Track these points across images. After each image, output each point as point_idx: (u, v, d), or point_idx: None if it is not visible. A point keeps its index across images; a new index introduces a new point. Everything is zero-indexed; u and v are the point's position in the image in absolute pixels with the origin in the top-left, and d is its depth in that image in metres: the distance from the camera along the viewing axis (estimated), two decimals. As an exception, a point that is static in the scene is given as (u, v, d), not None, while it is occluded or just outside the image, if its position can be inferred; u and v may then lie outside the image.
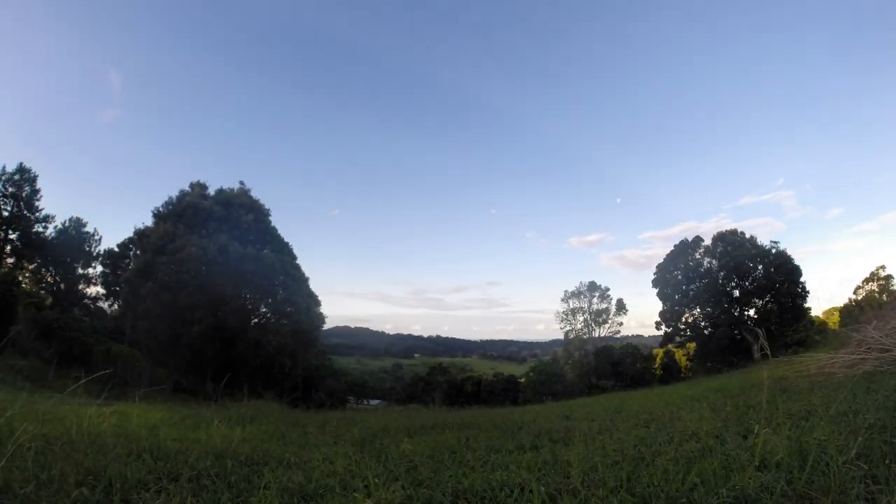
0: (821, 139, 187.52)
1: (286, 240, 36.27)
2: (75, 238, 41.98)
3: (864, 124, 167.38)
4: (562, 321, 59.30)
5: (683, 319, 45.09)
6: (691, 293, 43.90)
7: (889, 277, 44.95)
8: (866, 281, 46.36)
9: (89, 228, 43.24)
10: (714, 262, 43.76)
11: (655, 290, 46.45)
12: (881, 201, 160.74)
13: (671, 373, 44.07)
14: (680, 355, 47.84)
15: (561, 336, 60.22)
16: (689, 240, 45.72)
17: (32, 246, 38.47)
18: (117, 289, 40.03)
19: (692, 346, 45.25)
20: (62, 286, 41.19)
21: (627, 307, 58.80)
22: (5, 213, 37.11)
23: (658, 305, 46.59)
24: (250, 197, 35.72)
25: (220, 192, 35.27)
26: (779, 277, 40.32)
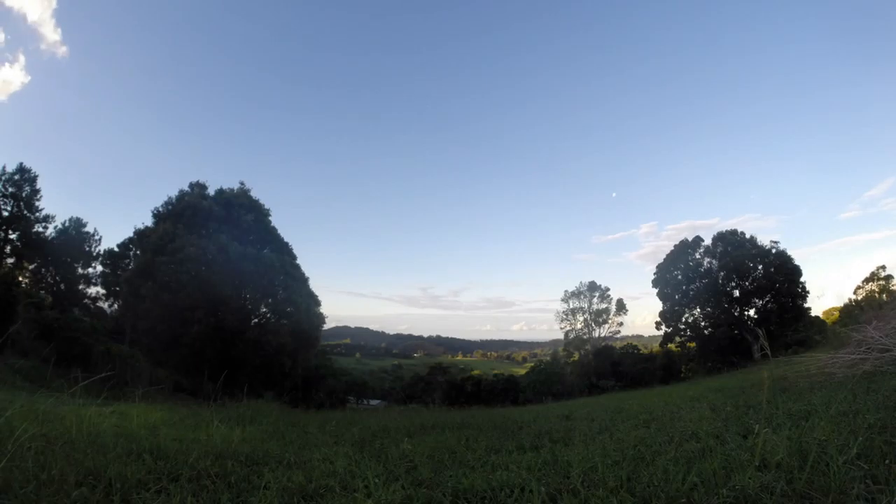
0: (841, 138, 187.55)
1: (286, 240, 36.28)
2: (75, 238, 41.95)
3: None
4: (562, 321, 59.36)
5: (683, 319, 45.07)
6: (691, 293, 43.88)
7: (889, 277, 44.97)
8: (866, 281, 46.38)
9: (89, 228, 43.27)
10: (714, 262, 43.73)
11: (655, 290, 46.49)
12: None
13: (671, 373, 44.02)
14: (679, 354, 47.78)
15: (561, 336, 60.30)
16: (689, 240, 45.71)
17: (32, 246, 38.42)
18: (117, 289, 39.98)
19: (692, 345, 45.22)
20: (62, 286, 41.16)
21: (628, 307, 58.91)
22: (5, 213, 37.07)
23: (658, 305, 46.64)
24: (250, 197, 35.67)
25: (220, 192, 35.22)
26: (779, 277, 40.28)
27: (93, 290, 43.95)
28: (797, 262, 41.18)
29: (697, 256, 44.95)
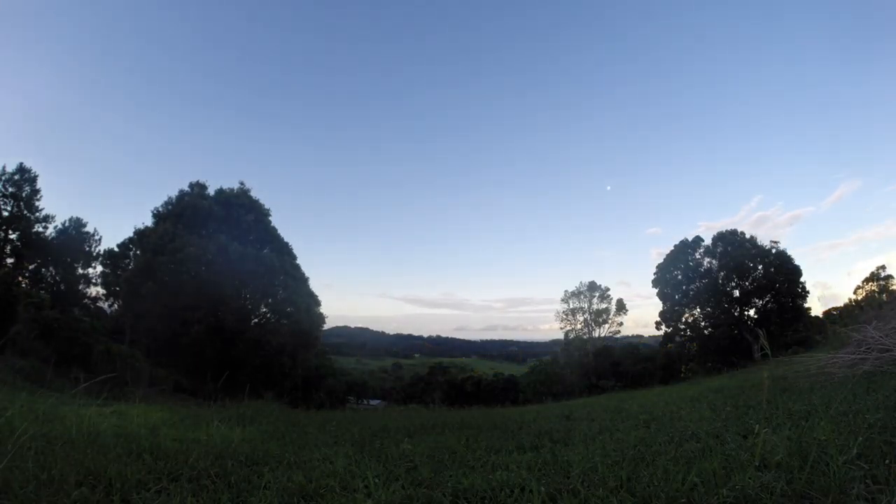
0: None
1: (286, 240, 36.31)
2: (75, 238, 41.93)
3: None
4: (562, 321, 59.36)
5: (683, 319, 45.07)
6: (691, 293, 43.87)
7: (889, 277, 44.95)
8: (866, 281, 46.36)
9: (89, 228, 43.22)
10: (714, 261, 43.74)
11: (655, 290, 46.46)
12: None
13: (671, 373, 44.04)
14: (679, 354, 47.76)
15: (561, 336, 60.34)
16: (689, 239, 45.74)
17: (32, 246, 38.42)
18: (117, 289, 39.97)
19: (694, 346, 45.19)
20: (62, 286, 41.12)
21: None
22: (5, 213, 37.07)
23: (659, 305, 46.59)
24: (250, 197, 35.70)
25: (220, 192, 35.25)
26: (779, 277, 40.30)
27: (93, 290, 43.96)
28: (797, 261, 41.29)
29: (697, 256, 44.96)
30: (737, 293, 42.28)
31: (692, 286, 43.88)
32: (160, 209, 34.28)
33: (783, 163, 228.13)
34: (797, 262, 41.27)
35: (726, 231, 44.56)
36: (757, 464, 3.32)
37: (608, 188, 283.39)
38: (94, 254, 43.50)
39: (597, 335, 57.62)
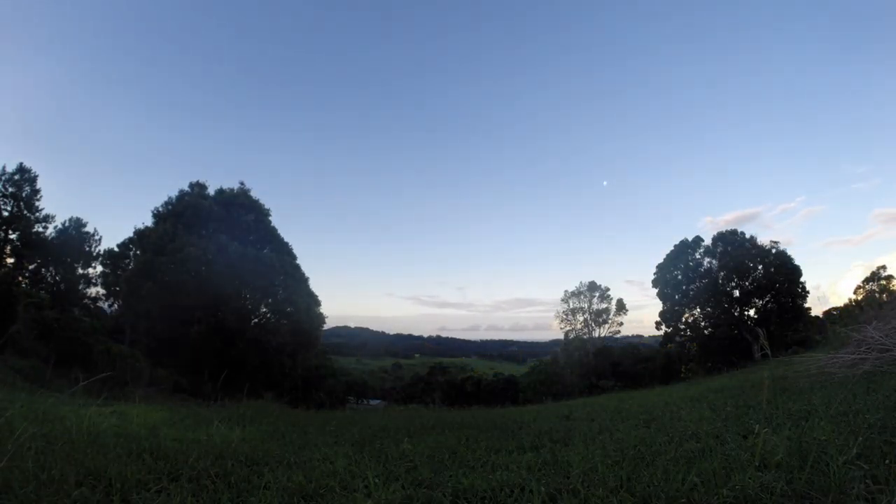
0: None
1: (286, 239, 36.31)
2: (75, 238, 41.92)
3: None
4: (562, 321, 59.35)
5: (683, 319, 45.07)
6: (691, 293, 43.87)
7: (889, 277, 44.91)
8: (866, 281, 46.32)
9: (89, 228, 43.19)
10: (714, 261, 43.75)
11: (655, 290, 46.46)
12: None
13: (671, 373, 43.99)
14: (679, 354, 47.75)
15: (561, 336, 60.35)
16: (689, 239, 45.75)
17: (32, 246, 38.40)
18: (117, 289, 39.98)
19: (694, 346, 45.17)
20: (62, 286, 41.10)
21: (628, 307, 58.96)
22: (5, 213, 37.05)
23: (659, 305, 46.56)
24: (250, 197, 35.70)
25: (220, 192, 35.25)
26: (779, 277, 40.31)
27: (93, 290, 43.92)
28: (801, 260, 41.40)
29: (697, 256, 44.98)
30: (737, 293, 42.29)
31: (692, 286, 43.88)
32: (160, 209, 34.27)
33: (795, 161, 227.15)
34: (799, 261, 41.43)
35: (726, 231, 44.63)
36: (757, 464, 3.32)
37: (604, 183, 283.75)
38: (94, 254, 43.50)
39: (597, 335, 57.63)
